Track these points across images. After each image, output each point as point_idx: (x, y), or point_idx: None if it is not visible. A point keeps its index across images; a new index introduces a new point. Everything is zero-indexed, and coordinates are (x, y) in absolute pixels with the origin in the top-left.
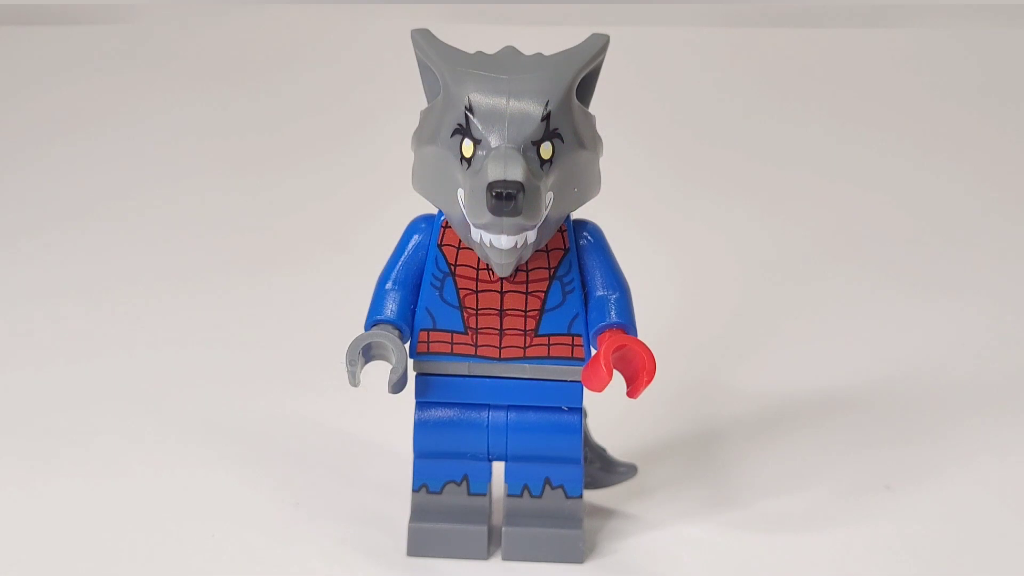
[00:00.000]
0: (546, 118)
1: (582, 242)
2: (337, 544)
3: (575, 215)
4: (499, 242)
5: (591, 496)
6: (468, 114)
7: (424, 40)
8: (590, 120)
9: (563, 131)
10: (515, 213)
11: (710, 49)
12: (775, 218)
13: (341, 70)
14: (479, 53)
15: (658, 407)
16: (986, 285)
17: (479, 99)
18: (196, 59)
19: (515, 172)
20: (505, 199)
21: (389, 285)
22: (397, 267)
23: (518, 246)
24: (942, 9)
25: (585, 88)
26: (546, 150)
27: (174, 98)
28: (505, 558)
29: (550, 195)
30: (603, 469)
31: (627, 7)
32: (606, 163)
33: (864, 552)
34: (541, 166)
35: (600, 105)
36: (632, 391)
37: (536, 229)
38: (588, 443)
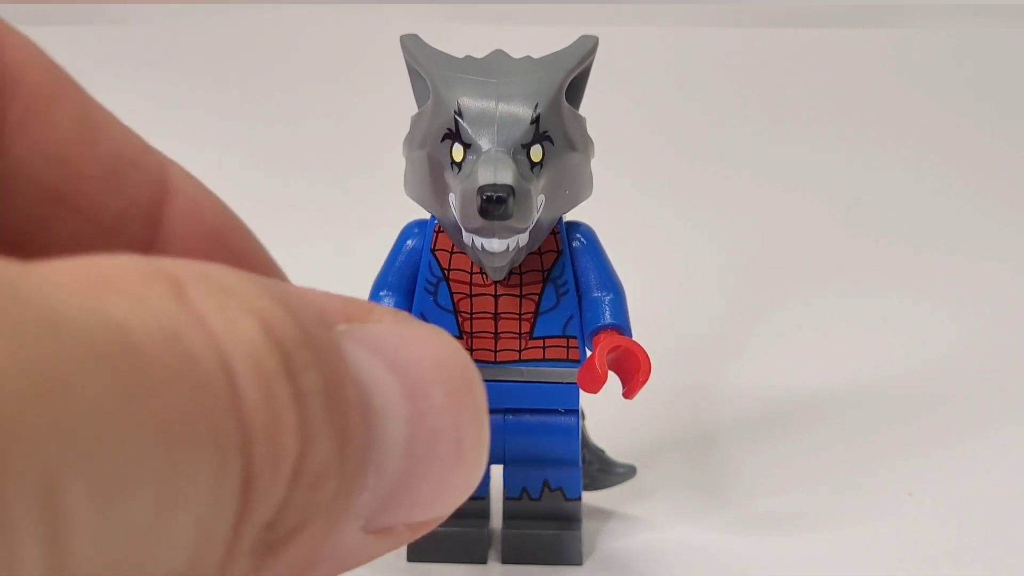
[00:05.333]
0: (535, 121)
1: (575, 244)
2: None
3: (567, 217)
4: (491, 245)
5: (590, 497)
6: (458, 119)
7: (413, 45)
8: (580, 122)
9: (553, 133)
10: (505, 217)
11: (707, 50)
12: (775, 218)
13: (342, 73)
14: (468, 57)
15: (657, 408)
16: (986, 286)
17: (468, 103)
18: (196, 63)
19: (505, 176)
20: (495, 203)
21: (383, 291)
22: (391, 273)
23: (510, 249)
24: (926, 9)
25: (574, 90)
26: (536, 153)
27: (174, 101)
28: (505, 561)
29: (541, 198)
30: (602, 470)
31: (618, 7)
32: (598, 164)
33: (864, 552)
34: (531, 169)
35: (590, 108)
36: (628, 391)
37: (528, 232)
38: (586, 444)
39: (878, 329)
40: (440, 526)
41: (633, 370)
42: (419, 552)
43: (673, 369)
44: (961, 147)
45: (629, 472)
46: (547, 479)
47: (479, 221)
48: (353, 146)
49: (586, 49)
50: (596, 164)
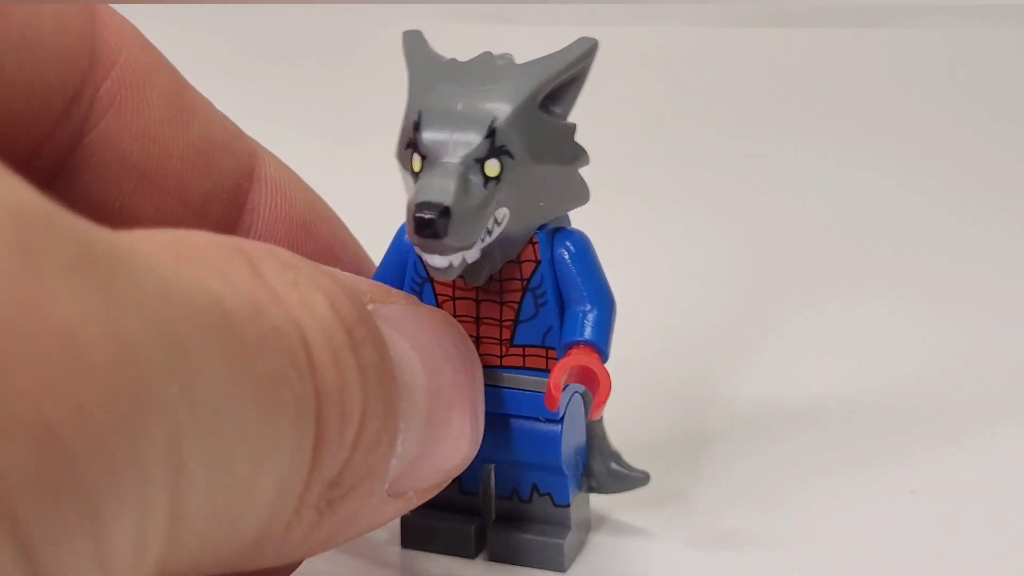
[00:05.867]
0: (490, 135)
1: (563, 254)
2: None
3: (560, 225)
4: (431, 260)
5: (592, 500)
6: (416, 129)
7: (410, 42)
8: (559, 131)
9: (513, 147)
10: (436, 236)
11: (706, 51)
12: (773, 222)
13: (350, 71)
14: (451, 61)
15: (652, 414)
16: (986, 287)
17: (427, 114)
18: (196, 60)
19: (442, 195)
20: (426, 223)
21: None
22: (385, 273)
23: (454, 265)
24: (927, 10)
25: (564, 96)
26: (491, 167)
27: None
28: (490, 559)
29: (504, 211)
30: (614, 474)
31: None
32: (591, 167)
33: (865, 551)
34: (486, 184)
35: (582, 110)
36: (591, 411)
37: (477, 248)
38: (603, 448)
39: (881, 330)
40: (432, 517)
41: (594, 388)
42: (411, 539)
43: (672, 373)
44: (961, 153)
45: (644, 478)
46: (536, 483)
47: (415, 237)
48: (362, 144)
49: (579, 53)
50: (589, 167)
